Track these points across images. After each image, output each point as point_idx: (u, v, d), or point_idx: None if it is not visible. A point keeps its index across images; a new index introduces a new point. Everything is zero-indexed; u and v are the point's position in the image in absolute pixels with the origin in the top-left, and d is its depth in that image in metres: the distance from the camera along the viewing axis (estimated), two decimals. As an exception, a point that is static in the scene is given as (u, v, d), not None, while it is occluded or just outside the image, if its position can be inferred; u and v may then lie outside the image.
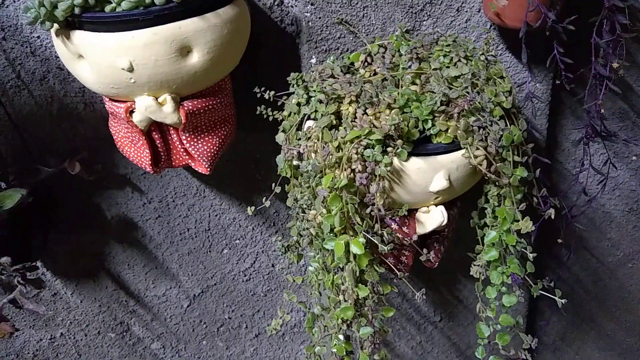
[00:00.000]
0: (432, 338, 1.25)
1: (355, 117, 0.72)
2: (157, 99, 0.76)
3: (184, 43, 0.72)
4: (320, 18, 0.88)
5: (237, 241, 1.13)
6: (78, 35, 0.72)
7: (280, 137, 0.81)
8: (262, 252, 1.14)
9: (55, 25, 0.73)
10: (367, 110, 0.72)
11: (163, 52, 0.71)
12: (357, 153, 0.69)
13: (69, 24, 0.72)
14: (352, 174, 0.70)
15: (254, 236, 1.12)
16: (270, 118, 0.84)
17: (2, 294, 0.95)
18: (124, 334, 1.20)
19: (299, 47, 0.93)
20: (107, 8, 0.70)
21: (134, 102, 0.77)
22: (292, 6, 0.91)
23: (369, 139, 0.68)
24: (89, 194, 1.05)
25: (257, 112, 0.84)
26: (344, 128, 0.71)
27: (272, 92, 0.83)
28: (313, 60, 0.91)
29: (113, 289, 1.15)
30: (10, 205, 0.85)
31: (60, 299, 1.14)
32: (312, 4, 0.87)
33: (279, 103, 0.85)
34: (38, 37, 0.90)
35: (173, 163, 0.86)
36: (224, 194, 1.08)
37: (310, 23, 0.88)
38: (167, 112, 0.77)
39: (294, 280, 0.88)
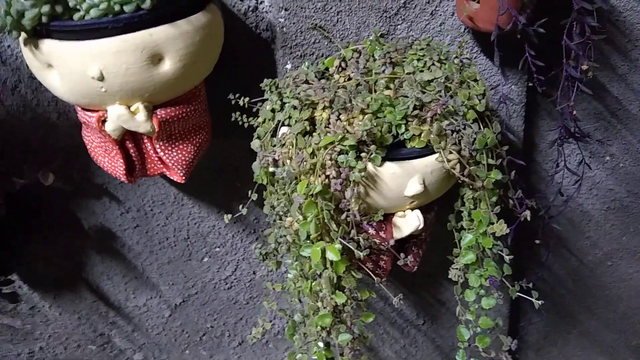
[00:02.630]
0: (416, 341, 1.25)
1: (329, 123, 0.72)
2: (129, 107, 0.76)
3: (155, 51, 0.71)
4: (294, 23, 0.88)
5: (217, 249, 1.12)
6: (47, 44, 0.71)
7: (255, 144, 0.80)
8: (243, 260, 1.14)
9: (23, 34, 0.72)
10: (340, 116, 0.72)
11: (134, 60, 0.70)
12: (331, 159, 0.68)
13: (37, 33, 0.71)
14: (326, 180, 0.69)
15: (234, 244, 1.12)
16: (246, 125, 0.84)
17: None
18: (105, 346, 1.18)
19: (274, 53, 0.93)
20: (76, 16, 0.69)
21: (106, 111, 0.76)
22: (266, 12, 0.90)
23: (343, 145, 0.68)
24: (66, 204, 1.03)
25: (232, 119, 0.84)
26: (318, 134, 0.71)
27: (247, 99, 0.83)
28: (288, 66, 0.90)
29: (92, 301, 1.13)
30: (-18, 219, 0.83)
31: (38, 312, 1.12)
32: (286, 10, 0.86)
33: (254, 109, 0.84)
34: (9, 46, 0.88)
35: (148, 172, 0.85)
36: (202, 201, 1.07)
37: (284, 29, 0.88)
38: (140, 121, 0.76)
39: (273, 288, 0.87)
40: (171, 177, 0.85)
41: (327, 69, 0.85)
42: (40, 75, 0.76)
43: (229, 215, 0.85)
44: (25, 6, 0.67)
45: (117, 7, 0.68)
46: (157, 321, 1.18)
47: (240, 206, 0.85)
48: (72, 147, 0.96)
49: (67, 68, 0.71)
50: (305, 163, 0.70)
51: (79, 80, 0.72)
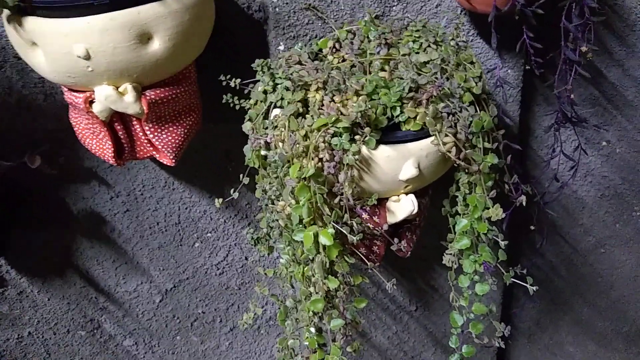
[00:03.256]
0: (408, 327, 1.25)
1: (323, 105, 0.70)
2: (117, 88, 0.74)
3: (143, 29, 0.69)
4: (287, 4, 0.86)
5: (209, 234, 1.10)
6: (31, 22, 0.69)
7: (246, 126, 0.79)
8: (235, 245, 1.12)
9: (6, 11, 0.69)
10: (334, 98, 0.70)
11: (121, 39, 0.68)
12: (324, 141, 0.67)
13: (21, 10, 0.68)
14: (319, 163, 0.68)
15: (226, 229, 1.10)
16: (237, 107, 0.82)
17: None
18: (95, 331, 1.17)
19: (267, 34, 0.91)
20: (60, -8, 0.66)
21: (94, 92, 0.74)
22: (259, -8, 0.88)
23: (336, 127, 0.67)
24: (54, 188, 1.01)
25: (223, 101, 0.82)
26: (311, 116, 0.70)
27: (238, 80, 0.81)
28: (281, 47, 0.88)
29: (82, 286, 1.12)
30: (-34, 202, 0.82)
31: (26, 297, 1.11)
32: (279, -10, 0.84)
33: (246, 91, 0.82)
34: (-8, 25, 0.86)
35: (137, 155, 0.83)
36: (193, 186, 1.05)
37: (277, 9, 0.86)
38: (129, 102, 0.75)
39: (265, 273, 0.86)
40: (161, 160, 0.83)
41: (320, 50, 0.83)
42: (25, 54, 0.74)
43: (220, 200, 0.83)
44: (7, -19, 0.65)
45: (104, -17, 0.66)
46: (147, 307, 1.17)
47: (232, 190, 0.83)
48: (59, 129, 0.94)
49: (52, 46, 0.69)
50: (297, 146, 0.68)
51: (64, 59, 0.70)
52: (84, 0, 0.65)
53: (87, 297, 1.13)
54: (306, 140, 0.69)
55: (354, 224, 0.70)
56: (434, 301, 1.22)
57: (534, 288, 0.75)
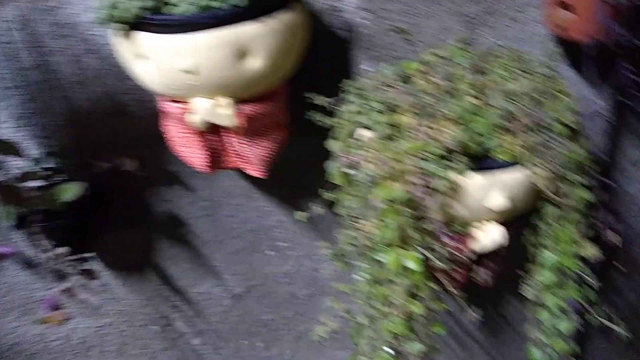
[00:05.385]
0: (474, 355, 1.22)
1: (414, 129, 0.71)
2: (215, 101, 0.77)
3: (244, 47, 0.72)
4: (374, 25, 0.86)
5: (282, 243, 1.12)
6: (143, 37, 0.73)
7: (333, 144, 0.80)
8: (305, 256, 1.14)
9: (122, 26, 0.74)
10: (425, 122, 0.70)
11: (225, 55, 0.72)
12: (415, 166, 0.67)
13: (134, 25, 0.73)
14: (409, 187, 0.68)
15: (299, 240, 1.12)
16: (322, 124, 0.83)
17: (54, 281, 0.98)
18: (167, 328, 1.21)
19: (353, 53, 0.92)
20: (177, 11, 0.70)
21: (192, 103, 0.78)
22: (345, 12, 0.89)
23: (429, 153, 0.67)
24: (140, 190, 1.06)
25: (309, 118, 0.84)
26: (402, 140, 0.70)
27: (324, 98, 0.82)
28: (364, 66, 0.89)
29: (158, 284, 1.16)
30: (70, 198, 0.87)
31: (108, 290, 1.16)
32: (366, 10, 0.85)
33: (328, 109, 0.84)
34: (96, 35, 0.91)
35: (223, 164, 0.86)
36: (271, 196, 1.08)
37: (363, 29, 0.87)
38: (224, 115, 0.78)
39: (342, 289, 0.87)
40: (249, 172, 0.86)
41: (407, 72, 0.83)
42: (132, 65, 0.78)
43: (303, 213, 0.85)
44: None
45: (213, 4, 0.69)
46: (217, 309, 1.20)
47: (312, 204, 0.84)
48: (148, 134, 0.98)
49: (160, 60, 0.73)
50: (387, 168, 0.69)
51: (171, 72, 0.73)
52: (195, 18, 0.69)
53: (162, 295, 1.17)
54: (396, 164, 0.69)
55: (441, 250, 0.69)
56: (503, 331, 1.18)
57: (628, 335, 0.72)
